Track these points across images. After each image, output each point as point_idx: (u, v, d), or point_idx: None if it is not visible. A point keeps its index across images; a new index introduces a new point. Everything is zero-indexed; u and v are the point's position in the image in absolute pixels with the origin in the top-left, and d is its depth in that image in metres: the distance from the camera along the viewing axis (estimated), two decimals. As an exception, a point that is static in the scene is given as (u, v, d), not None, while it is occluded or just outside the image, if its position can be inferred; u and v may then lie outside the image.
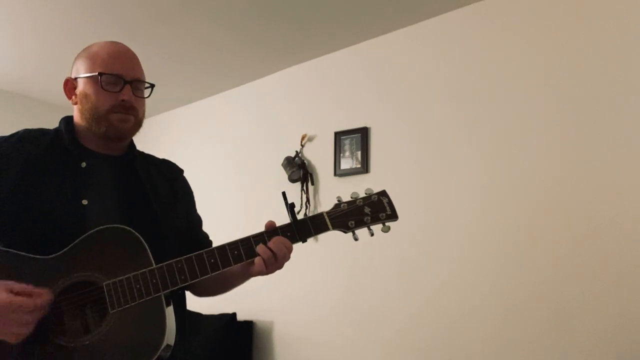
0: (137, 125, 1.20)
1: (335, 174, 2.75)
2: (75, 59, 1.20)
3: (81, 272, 1.03)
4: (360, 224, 1.16)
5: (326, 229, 1.15)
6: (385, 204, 1.18)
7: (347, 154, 2.71)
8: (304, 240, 1.14)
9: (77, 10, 2.49)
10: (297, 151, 2.92)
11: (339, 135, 2.76)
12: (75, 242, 1.04)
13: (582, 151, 1.99)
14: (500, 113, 2.23)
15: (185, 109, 3.77)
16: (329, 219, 1.15)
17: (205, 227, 1.38)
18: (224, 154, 3.42)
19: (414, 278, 2.36)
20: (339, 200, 1.19)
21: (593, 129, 1.98)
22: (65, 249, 1.03)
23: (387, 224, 1.18)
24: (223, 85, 3.44)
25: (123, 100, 1.13)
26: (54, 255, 1.03)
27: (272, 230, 1.13)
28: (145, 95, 1.21)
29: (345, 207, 1.17)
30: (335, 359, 2.58)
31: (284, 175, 2.90)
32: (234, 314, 2.87)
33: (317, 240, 2.75)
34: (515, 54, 2.23)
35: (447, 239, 2.29)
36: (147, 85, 1.21)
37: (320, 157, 2.86)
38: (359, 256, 2.57)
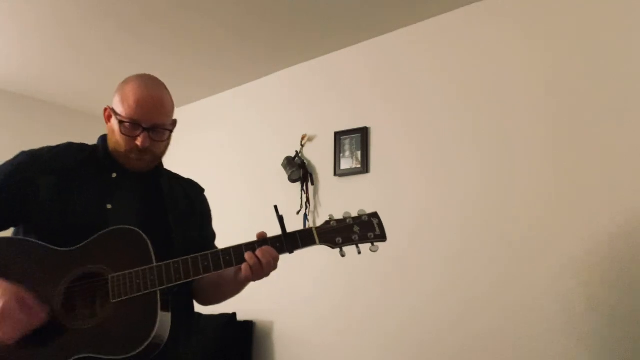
0: (156, 159, 1.33)
1: (335, 174, 2.75)
2: (117, 87, 1.30)
3: (93, 264, 1.16)
4: (348, 241, 1.23)
5: (313, 243, 1.21)
6: (375, 225, 1.25)
7: (347, 154, 2.71)
8: (291, 252, 1.21)
9: (77, 10, 2.49)
10: (297, 151, 2.92)
11: (339, 135, 2.75)
12: (92, 238, 1.18)
13: (583, 150, 1.99)
14: (501, 113, 2.23)
15: (184, 109, 3.76)
16: (317, 234, 1.22)
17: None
18: (223, 154, 3.41)
19: (413, 278, 2.36)
20: (330, 218, 1.24)
21: (593, 129, 1.98)
22: (82, 244, 1.17)
23: (375, 243, 1.24)
24: (222, 85, 3.43)
25: (138, 145, 1.24)
26: (72, 248, 1.17)
27: (262, 240, 1.22)
28: (164, 138, 1.31)
29: (335, 225, 1.24)
30: (334, 359, 2.58)
31: (284, 175, 2.90)
32: (234, 314, 2.87)
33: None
34: (515, 53, 2.23)
35: (446, 239, 2.29)
36: (168, 128, 1.31)
37: (320, 157, 2.85)
38: (358, 257, 2.56)
